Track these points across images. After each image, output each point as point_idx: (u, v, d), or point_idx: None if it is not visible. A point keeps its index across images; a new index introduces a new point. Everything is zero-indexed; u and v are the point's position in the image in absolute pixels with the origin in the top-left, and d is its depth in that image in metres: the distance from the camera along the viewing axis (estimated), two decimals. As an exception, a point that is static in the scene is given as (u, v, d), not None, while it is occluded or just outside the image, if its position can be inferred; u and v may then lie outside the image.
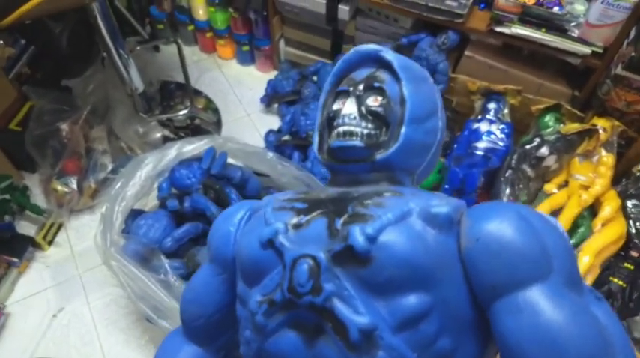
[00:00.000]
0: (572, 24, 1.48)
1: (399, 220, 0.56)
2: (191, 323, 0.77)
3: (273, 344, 0.60)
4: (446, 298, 0.55)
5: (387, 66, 0.71)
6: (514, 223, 0.54)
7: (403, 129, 0.66)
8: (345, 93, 0.70)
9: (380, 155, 0.66)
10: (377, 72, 0.71)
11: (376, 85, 0.68)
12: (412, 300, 0.54)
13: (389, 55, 0.71)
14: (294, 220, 0.62)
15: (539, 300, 0.51)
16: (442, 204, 0.58)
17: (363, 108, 0.67)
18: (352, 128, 0.66)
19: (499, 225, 0.54)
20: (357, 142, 0.66)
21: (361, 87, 0.69)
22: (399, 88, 0.68)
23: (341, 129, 0.67)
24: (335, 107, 0.70)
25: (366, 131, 0.66)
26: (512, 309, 0.52)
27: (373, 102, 0.67)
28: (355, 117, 0.67)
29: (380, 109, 0.67)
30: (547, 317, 0.50)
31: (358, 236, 0.55)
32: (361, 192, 0.64)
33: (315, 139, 0.74)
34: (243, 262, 0.65)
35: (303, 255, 0.57)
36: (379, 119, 0.67)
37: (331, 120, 0.70)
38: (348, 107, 0.68)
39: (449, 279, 0.56)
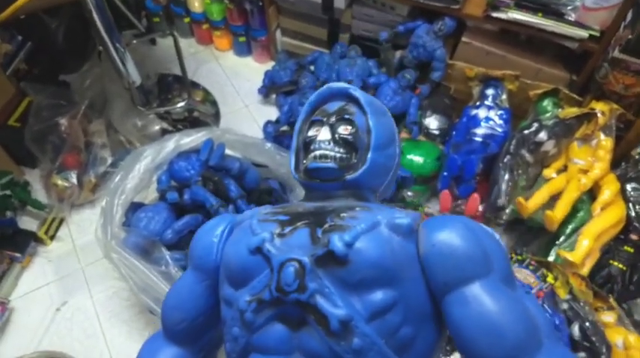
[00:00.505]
0: (569, 7, 1.48)
1: (370, 229, 0.66)
2: (174, 328, 0.83)
3: (261, 337, 0.68)
4: (408, 293, 0.66)
5: (354, 100, 0.83)
6: (461, 232, 0.65)
7: (370, 154, 0.77)
8: (320, 122, 0.81)
9: (350, 176, 0.77)
10: (347, 105, 0.82)
11: (347, 116, 0.80)
12: (380, 295, 0.64)
13: (357, 92, 0.83)
14: (279, 230, 0.70)
15: (482, 294, 0.62)
16: (404, 216, 0.69)
17: (336, 136, 0.79)
18: (327, 152, 0.77)
19: (449, 234, 0.65)
20: (330, 164, 0.77)
21: (333, 118, 0.80)
22: (365, 119, 0.80)
23: (317, 152, 0.78)
24: (310, 133, 0.81)
25: (338, 155, 0.78)
26: (461, 301, 0.63)
27: (344, 130, 0.79)
28: (329, 143, 0.78)
29: (350, 137, 0.78)
30: (488, 307, 0.61)
31: (337, 242, 0.64)
32: (335, 206, 0.75)
33: (292, 160, 0.84)
34: (231, 268, 0.73)
35: (289, 259, 0.66)
36: (349, 145, 0.79)
37: (307, 145, 0.81)
38: (323, 134, 0.79)
39: (410, 278, 0.66)
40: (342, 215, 0.70)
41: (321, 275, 0.64)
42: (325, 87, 0.86)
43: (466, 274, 0.63)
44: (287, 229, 0.70)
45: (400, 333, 0.65)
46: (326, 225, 0.69)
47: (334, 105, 0.83)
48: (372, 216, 0.69)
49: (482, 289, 0.62)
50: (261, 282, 0.67)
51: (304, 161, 0.81)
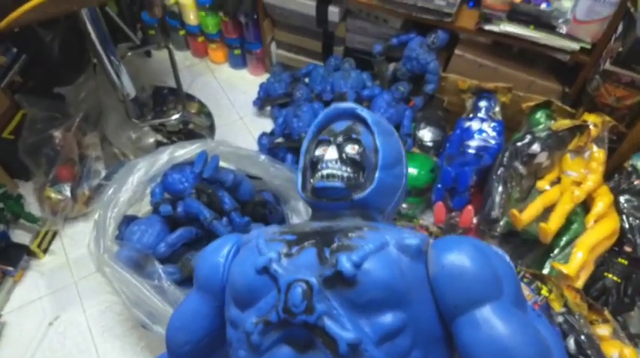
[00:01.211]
0: (560, 20, 1.49)
1: (379, 249, 0.66)
2: (178, 350, 0.81)
3: None
4: (418, 316, 0.65)
5: (361, 120, 0.83)
6: (471, 253, 0.64)
7: (377, 174, 0.78)
8: (327, 142, 0.82)
9: (357, 195, 0.77)
10: (354, 125, 0.83)
11: (354, 136, 0.80)
12: (390, 318, 0.63)
13: (364, 112, 0.83)
14: (286, 250, 0.70)
15: (493, 317, 0.61)
16: (413, 237, 0.68)
17: (344, 155, 0.79)
18: (334, 171, 0.78)
19: (459, 255, 0.64)
20: (338, 183, 0.77)
21: (341, 137, 0.81)
22: (372, 139, 0.81)
23: (324, 172, 0.78)
24: (317, 153, 0.82)
25: (345, 174, 0.78)
26: (472, 324, 0.62)
27: (351, 150, 0.79)
28: (336, 162, 0.78)
29: (357, 156, 0.79)
30: (500, 330, 0.60)
31: (345, 263, 0.63)
32: (342, 226, 0.74)
33: (299, 180, 0.84)
34: (238, 288, 0.72)
35: (297, 280, 0.65)
36: (356, 165, 0.79)
37: (314, 164, 0.81)
38: (330, 153, 0.79)
39: (420, 300, 0.65)
40: (349, 235, 0.69)
41: (329, 296, 0.63)
42: (332, 107, 0.87)
43: (476, 296, 0.62)
44: (294, 249, 0.70)
45: (410, 357, 0.64)
46: (334, 245, 0.68)
47: (341, 125, 0.84)
48: (380, 236, 0.68)
49: (493, 312, 0.61)
50: (268, 303, 0.66)
51: (311, 180, 0.81)
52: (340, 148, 0.80)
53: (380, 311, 0.63)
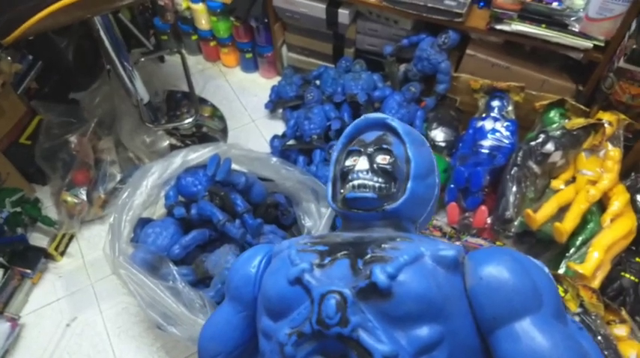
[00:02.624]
0: (572, 18, 1.47)
1: (414, 261, 0.65)
2: None
3: None
4: (455, 329, 0.63)
5: (392, 130, 0.82)
6: (509, 265, 0.63)
7: (409, 184, 0.76)
8: (357, 152, 0.81)
9: (389, 205, 0.76)
10: (384, 135, 0.82)
11: (385, 146, 0.79)
12: (426, 331, 0.62)
13: (394, 122, 0.82)
14: (318, 260, 0.69)
15: (533, 329, 0.60)
16: (448, 248, 0.67)
17: (375, 165, 0.78)
18: (365, 181, 0.77)
19: (497, 267, 0.63)
20: (369, 194, 0.76)
21: (371, 147, 0.80)
22: (403, 149, 0.80)
23: (355, 182, 0.77)
24: (348, 163, 0.81)
25: (377, 184, 0.77)
26: (511, 337, 0.60)
27: (382, 160, 0.78)
28: (368, 173, 0.77)
29: (389, 166, 0.78)
30: (540, 343, 0.59)
31: (380, 274, 0.62)
32: (374, 236, 0.73)
33: (329, 190, 0.84)
34: (270, 299, 0.71)
35: (330, 291, 0.64)
36: (388, 175, 0.78)
37: (345, 175, 0.81)
38: (361, 164, 0.78)
39: (457, 312, 0.64)
40: (383, 246, 0.68)
41: (363, 308, 0.63)
42: (362, 117, 0.87)
43: (516, 309, 0.61)
44: (327, 260, 0.69)
45: None
46: (367, 256, 0.67)
47: (372, 135, 0.83)
48: (415, 247, 0.67)
49: (533, 324, 0.60)
50: (302, 315, 0.66)
51: (342, 191, 0.81)
52: (371, 158, 0.79)
53: (416, 324, 0.62)
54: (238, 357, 0.81)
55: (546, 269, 0.68)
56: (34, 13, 1.16)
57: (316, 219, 1.48)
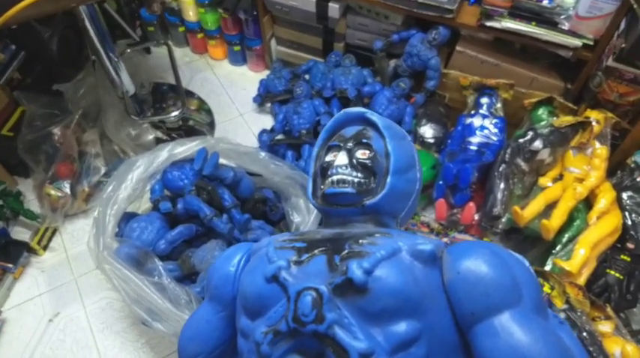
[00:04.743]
0: (562, 17, 1.48)
1: (391, 256, 0.64)
2: None
3: None
4: (433, 324, 0.62)
5: (371, 125, 0.82)
6: (487, 258, 0.62)
7: (389, 179, 0.76)
8: (337, 147, 0.80)
9: (369, 201, 0.75)
10: (364, 130, 0.81)
11: (364, 141, 0.78)
12: (403, 327, 0.60)
13: (374, 116, 0.82)
14: (295, 257, 0.68)
15: (513, 324, 0.58)
16: (426, 242, 0.66)
17: (354, 160, 0.77)
18: (344, 177, 0.76)
19: (475, 261, 0.62)
20: (348, 189, 0.75)
21: (351, 142, 0.79)
22: (383, 143, 0.79)
23: (335, 177, 0.76)
24: (328, 159, 0.80)
25: (356, 179, 0.76)
26: (490, 332, 0.59)
27: (362, 155, 0.77)
28: (347, 168, 0.76)
29: (368, 161, 0.77)
30: (520, 338, 0.57)
31: (356, 270, 0.61)
32: (353, 232, 0.72)
33: (310, 186, 0.83)
34: (247, 297, 0.70)
35: (306, 288, 0.63)
36: (367, 170, 0.77)
37: (325, 170, 0.80)
38: (341, 159, 0.78)
39: (435, 308, 0.63)
40: (360, 241, 0.68)
41: (339, 304, 0.62)
42: (342, 112, 0.86)
43: (495, 303, 0.60)
44: (304, 256, 0.68)
45: None
46: (344, 252, 0.66)
47: (351, 130, 0.82)
48: (393, 242, 0.66)
49: (513, 319, 0.59)
50: (278, 313, 0.65)
51: (322, 186, 0.80)
52: (350, 153, 0.78)
53: (393, 320, 0.61)
54: (219, 357, 0.80)
55: (527, 263, 0.67)
56: (17, 1, 1.13)
57: (305, 214, 1.47)
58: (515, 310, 0.59)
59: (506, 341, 0.58)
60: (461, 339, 0.64)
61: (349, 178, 0.75)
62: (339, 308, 0.61)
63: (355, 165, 0.77)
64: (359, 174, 0.76)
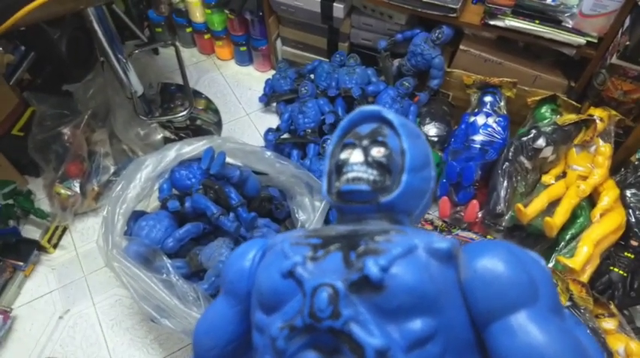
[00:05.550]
0: (566, 14, 1.48)
1: (407, 253, 0.64)
2: (205, 355, 0.81)
3: None
4: (449, 322, 0.62)
5: (387, 122, 0.81)
6: (504, 257, 0.62)
7: (404, 177, 0.75)
8: (352, 145, 0.80)
9: (384, 198, 0.75)
10: (379, 128, 0.81)
11: (380, 138, 0.78)
12: (419, 324, 0.60)
13: (390, 114, 0.81)
14: (311, 253, 0.69)
15: (530, 323, 0.58)
16: (442, 240, 0.66)
17: (369, 158, 0.77)
18: (360, 174, 0.76)
19: (492, 259, 0.62)
20: (364, 186, 0.75)
21: (366, 140, 0.79)
22: (398, 141, 0.78)
23: (350, 175, 0.76)
24: (343, 156, 0.80)
25: (372, 177, 0.75)
26: (506, 331, 0.59)
27: (377, 153, 0.77)
28: (362, 165, 0.76)
29: (383, 159, 0.76)
30: (536, 338, 0.57)
31: (372, 266, 0.61)
32: (368, 229, 0.72)
33: (324, 183, 0.83)
34: (263, 293, 0.71)
35: (322, 284, 0.63)
36: (382, 167, 0.76)
37: (340, 168, 0.79)
38: (356, 156, 0.77)
39: (451, 306, 0.63)
40: (376, 238, 0.68)
41: (355, 301, 0.62)
42: (357, 110, 0.85)
43: (511, 302, 0.59)
44: (320, 253, 0.68)
45: None
46: (360, 249, 0.66)
47: (366, 128, 0.82)
48: (409, 239, 0.66)
49: (529, 318, 0.58)
50: (294, 308, 0.65)
51: (337, 184, 0.80)
52: (366, 151, 0.78)
53: (409, 317, 0.61)
54: (233, 351, 0.81)
55: (543, 262, 0.66)
56: (26, 3, 1.15)
57: (310, 212, 1.49)
58: (532, 309, 0.59)
59: (522, 340, 0.58)
60: (476, 337, 0.64)
61: (364, 176, 0.75)
62: (354, 305, 0.61)
63: (370, 163, 0.77)
64: (374, 172, 0.76)
